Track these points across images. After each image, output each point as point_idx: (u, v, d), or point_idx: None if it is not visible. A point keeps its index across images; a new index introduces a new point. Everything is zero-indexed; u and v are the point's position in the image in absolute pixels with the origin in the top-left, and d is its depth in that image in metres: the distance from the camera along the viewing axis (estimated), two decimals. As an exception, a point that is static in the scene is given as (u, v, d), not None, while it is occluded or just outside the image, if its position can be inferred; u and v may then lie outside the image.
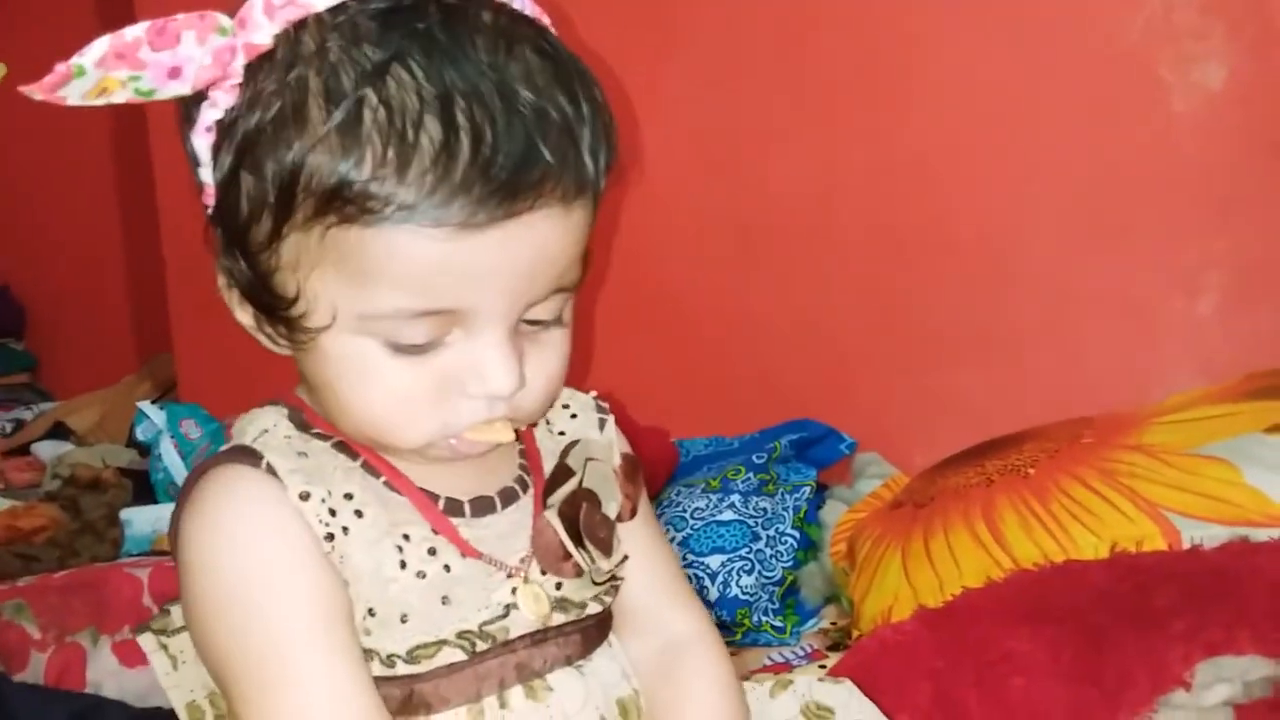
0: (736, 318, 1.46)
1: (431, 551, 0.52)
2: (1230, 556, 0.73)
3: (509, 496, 0.56)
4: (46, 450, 2.21)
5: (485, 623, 0.53)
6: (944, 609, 0.80)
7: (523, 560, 0.55)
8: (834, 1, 1.35)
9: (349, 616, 0.51)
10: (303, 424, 0.54)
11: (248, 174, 0.48)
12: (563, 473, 0.57)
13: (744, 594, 1.10)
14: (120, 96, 0.46)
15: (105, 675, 1.09)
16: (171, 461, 1.70)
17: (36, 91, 0.45)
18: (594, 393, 0.63)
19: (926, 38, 1.29)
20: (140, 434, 1.78)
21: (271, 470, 0.51)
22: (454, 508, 0.54)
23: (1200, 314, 1.18)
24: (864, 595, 1.02)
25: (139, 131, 2.06)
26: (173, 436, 1.72)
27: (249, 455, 0.52)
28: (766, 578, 1.12)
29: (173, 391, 2.22)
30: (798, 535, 1.16)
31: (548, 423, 0.61)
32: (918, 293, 1.34)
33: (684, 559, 1.14)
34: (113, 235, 2.71)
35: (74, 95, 0.45)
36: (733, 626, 1.10)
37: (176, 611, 0.57)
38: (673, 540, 1.17)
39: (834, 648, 1.05)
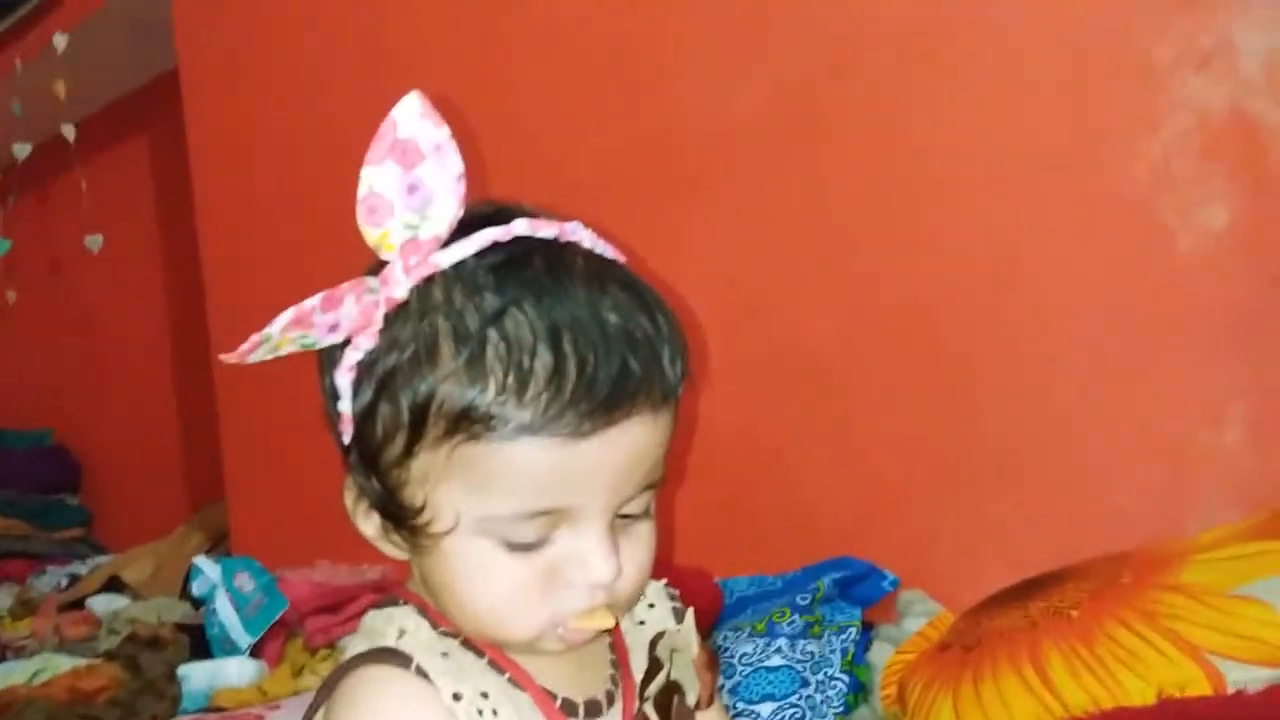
0: (770, 456, 1.50)
1: None
2: (1274, 703, 0.75)
3: (611, 696, 0.63)
4: (101, 604, 2.26)
5: None
6: (996, 761, 0.81)
7: None
8: (854, 153, 1.42)
9: None
10: (433, 624, 0.60)
11: (385, 404, 0.56)
12: (655, 666, 0.63)
13: (797, 744, 1.12)
14: (286, 350, 0.57)
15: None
16: (226, 616, 1.73)
17: (232, 358, 0.55)
18: (664, 580, 0.69)
19: (945, 188, 1.36)
20: (195, 589, 1.82)
21: (421, 672, 0.56)
22: (570, 708, 0.60)
23: (1228, 445, 1.20)
24: (916, 741, 1.03)
25: (192, 286, 2.16)
26: (227, 591, 1.76)
27: (396, 656, 0.57)
28: (818, 725, 1.13)
29: (224, 541, 2.27)
30: (847, 679, 1.18)
31: (630, 614, 0.67)
32: (949, 427, 1.38)
33: (734, 707, 1.16)
34: (165, 389, 2.81)
35: (257, 356, 0.56)
36: (787, 777, 1.11)
37: None
38: (722, 688, 1.18)
39: (890, 795, 1.05)
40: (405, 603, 0.61)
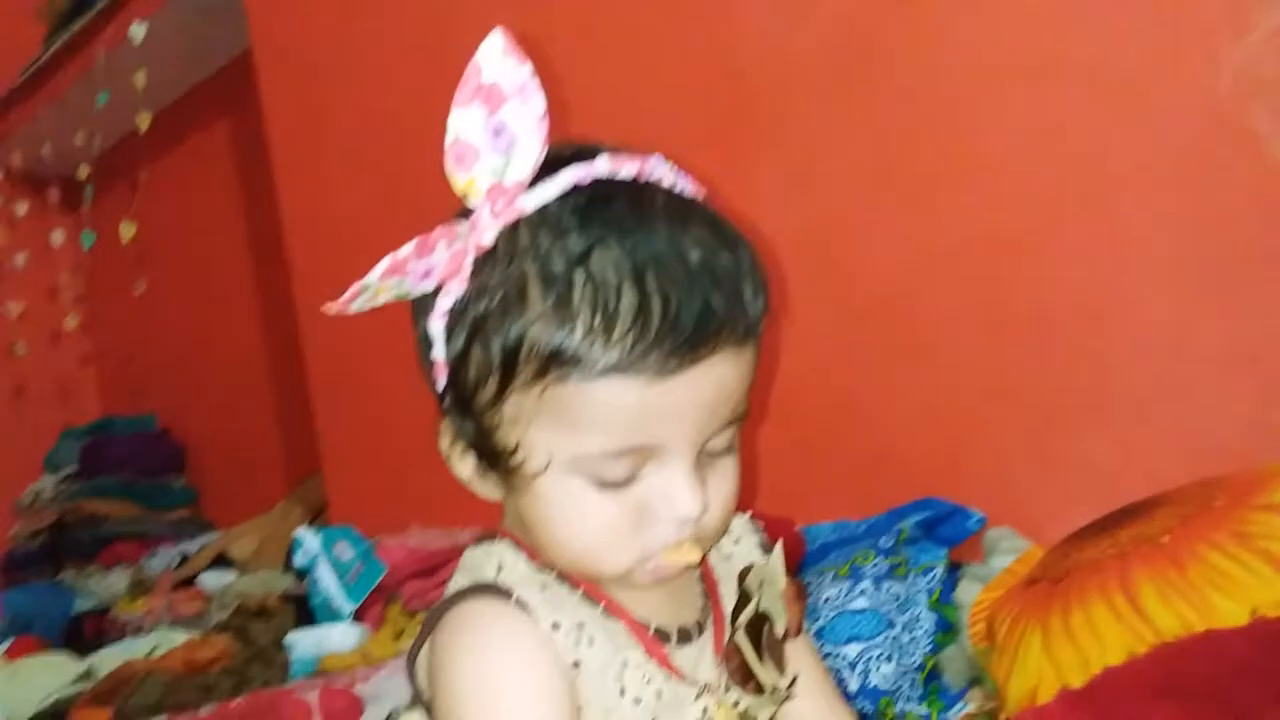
0: (850, 399, 1.49)
1: (647, 679, 0.60)
2: (1373, 619, 0.72)
3: (701, 625, 0.65)
4: (211, 581, 2.36)
5: None
6: (1085, 689, 0.80)
7: (712, 680, 0.63)
8: (920, 83, 1.39)
9: None
10: (528, 559, 0.62)
11: (478, 349, 0.58)
12: (744, 597, 0.65)
13: (884, 683, 1.11)
14: (384, 299, 0.58)
15: (286, 797, 1.17)
16: (328, 584, 1.79)
17: (335, 307, 0.58)
18: (749, 513, 0.71)
19: (1014, 112, 1.32)
20: (297, 561, 1.88)
21: (520, 604, 0.59)
22: (663, 636, 0.62)
23: (1324, 359, 1.16)
24: (1007, 676, 1.01)
25: (279, 266, 2.22)
26: (328, 560, 1.82)
27: (495, 590, 0.60)
28: (906, 664, 1.12)
29: (323, 513, 2.35)
30: (934, 618, 1.17)
31: (717, 549, 0.68)
32: (1028, 359, 1.34)
33: (821, 650, 1.16)
34: (259, 369, 2.90)
35: (356, 306, 0.58)
36: (876, 716, 1.11)
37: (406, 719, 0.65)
38: (808, 632, 1.18)
39: (982, 732, 1.05)
40: (501, 539, 0.64)
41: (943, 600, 1.20)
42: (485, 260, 0.58)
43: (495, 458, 0.60)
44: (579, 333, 0.55)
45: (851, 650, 1.14)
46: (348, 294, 0.57)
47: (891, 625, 1.16)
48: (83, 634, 2.37)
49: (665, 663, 0.61)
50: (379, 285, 0.57)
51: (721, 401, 0.59)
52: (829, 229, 1.48)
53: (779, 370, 1.48)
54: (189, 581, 2.43)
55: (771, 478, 1.45)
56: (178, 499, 3.04)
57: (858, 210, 1.46)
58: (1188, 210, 1.22)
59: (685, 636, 0.63)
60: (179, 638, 1.86)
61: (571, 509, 0.59)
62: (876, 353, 1.46)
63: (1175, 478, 1.11)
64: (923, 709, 1.10)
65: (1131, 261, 1.26)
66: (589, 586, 0.61)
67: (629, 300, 0.55)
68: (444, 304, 0.59)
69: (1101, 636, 0.94)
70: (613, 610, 0.61)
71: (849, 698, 1.12)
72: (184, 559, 2.65)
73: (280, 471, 2.85)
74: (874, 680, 1.12)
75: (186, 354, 3.14)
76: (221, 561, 2.49)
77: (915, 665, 1.13)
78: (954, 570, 1.27)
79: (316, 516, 2.43)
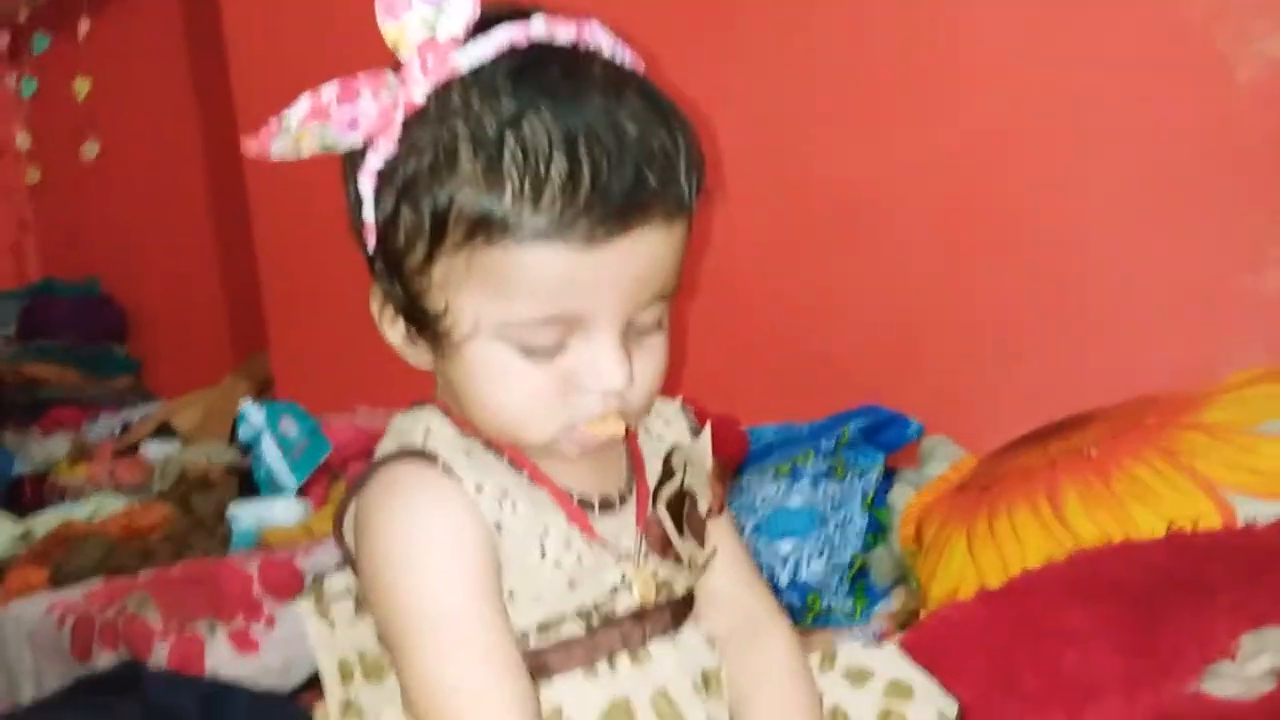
0: (801, 306, 1.50)
1: (567, 543, 0.61)
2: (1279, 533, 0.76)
3: (624, 496, 0.66)
4: (154, 450, 2.34)
5: (600, 602, 0.62)
6: (1003, 588, 0.83)
7: (632, 549, 0.63)
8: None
9: (501, 593, 0.60)
10: (456, 427, 0.63)
11: (407, 210, 0.57)
12: (667, 474, 0.66)
13: (814, 578, 1.15)
14: (308, 148, 0.57)
15: (221, 662, 1.18)
16: (273, 459, 1.79)
17: (253, 146, 0.56)
18: (679, 398, 0.71)
19: (981, 22, 1.31)
20: (242, 434, 1.87)
21: (446, 468, 0.59)
22: (586, 504, 0.63)
23: (1266, 290, 1.18)
24: (931, 577, 1.05)
25: (229, 139, 2.16)
26: (273, 435, 1.82)
27: (422, 455, 0.60)
28: (836, 561, 1.16)
29: (270, 389, 2.34)
30: (867, 519, 1.20)
31: (646, 429, 0.69)
32: (981, 275, 1.36)
33: (755, 545, 1.19)
34: (206, 241, 2.84)
35: (278, 150, 0.56)
36: (803, 610, 1.14)
37: (330, 582, 0.67)
38: (744, 527, 1.21)
39: (903, 629, 1.09)
40: (431, 407, 0.64)
41: (876, 503, 1.23)
42: (415, 119, 0.57)
43: (424, 322, 0.60)
44: (508, 197, 0.55)
45: (785, 546, 1.18)
46: (264, 131, 0.55)
47: (825, 524, 1.19)
48: (22, 497, 2.36)
49: (587, 529, 0.62)
50: (300, 130, 0.56)
51: (650, 276, 0.58)
52: (789, 131, 1.46)
53: (727, 269, 1.48)
54: (131, 450, 2.42)
55: (719, 380, 1.46)
56: (120, 367, 3.00)
57: (821, 116, 1.44)
58: (1150, 133, 1.23)
59: (608, 506, 0.64)
60: (119, 504, 1.86)
61: (498, 376, 0.59)
62: (830, 261, 1.47)
63: (1115, 397, 1.14)
64: (848, 605, 1.14)
65: (1089, 179, 1.27)
66: (514, 454, 0.62)
67: (559, 167, 0.55)
68: (373, 163, 0.58)
69: (1024, 542, 0.98)
70: (536, 477, 0.62)
71: (778, 591, 1.16)
72: (126, 427, 2.63)
73: (226, 346, 2.82)
74: (804, 575, 1.15)
75: (133, 220, 3.06)
76: (164, 432, 2.48)
77: (845, 563, 1.16)
78: (890, 475, 1.30)
79: (262, 393, 2.42)
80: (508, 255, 0.56)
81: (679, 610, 0.65)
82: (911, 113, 1.38)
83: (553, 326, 0.58)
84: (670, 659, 0.63)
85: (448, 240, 0.57)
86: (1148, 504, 0.89)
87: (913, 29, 1.36)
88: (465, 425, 0.62)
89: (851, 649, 0.70)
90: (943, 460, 1.30)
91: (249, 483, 1.84)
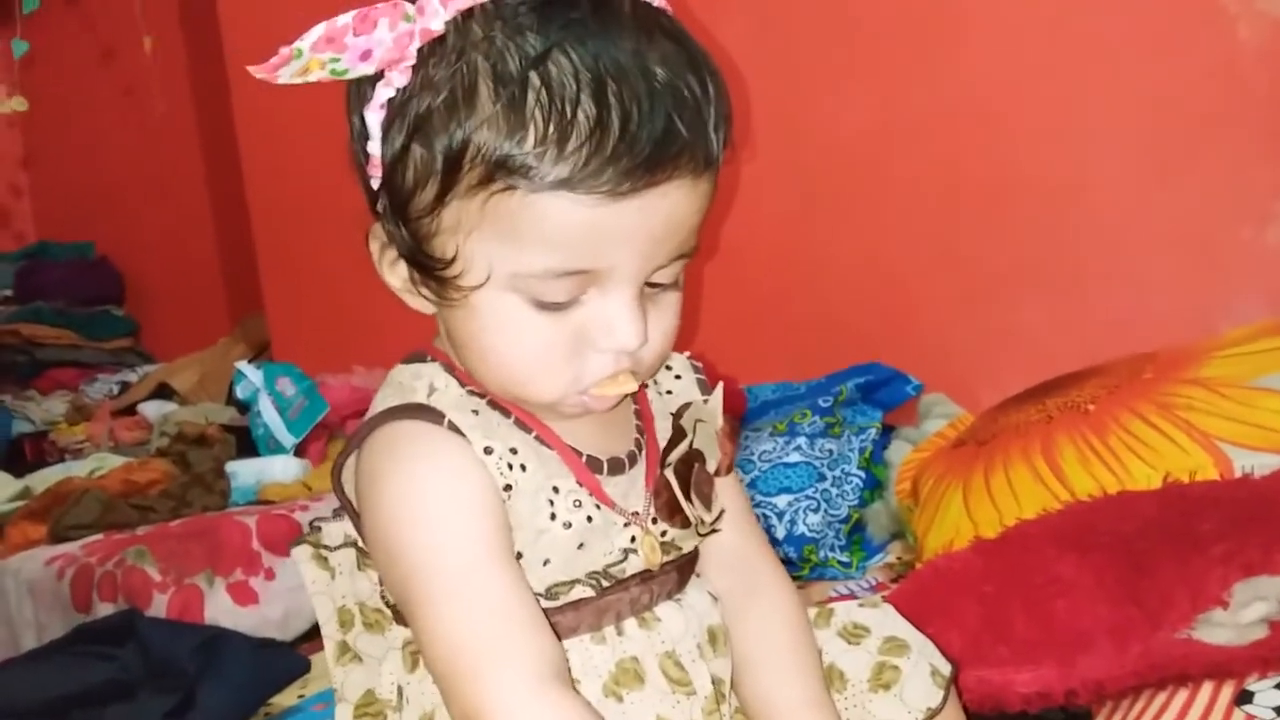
0: (801, 264, 1.49)
1: (577, 504, 0.59)
2: (1275, 482, 0.76)
3: (633, 457, 0.63)
4: (152, 410, 2.34)
5: (610, 565, 0.60)
6: (997, 539, 0.84)
7: (641, 511, 0.61)
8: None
9: (513, 552, 0.58)
10: (460, 382, 0.60)
11: (418, 147, 0.54)
12: (678, 434, 0.63)
13: (810, 531, 1.15)
14: (316, 76, 0.53)
15: (220, 613, 1.19)
16: (270, 418, 1.80)
17: (260, 71, 0.52)
18: (688, 353, 0.69)
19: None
20: (239, 393, 1.87)
21: (454, 427, 0.57)
22: (595, 464, 0.61)
23: (1268, 244, 1.18)
24: (927, 530, 1.06)
25: (222, 99, 2.14)
26: (270, 394, 1.82)
27: (429, 412, 0.58)
28: (832, 515, 1.16)
29: (266, 351, 2.33)
30: (863, 475, 1.21)
31: (655, 385, 0.67)
32: (980, 232, 1.36)
33: (753, 499, 1.19)
34: (201, 204, 2.82)
35: (285, 75, 0.52)
36: (799, 562, 1.15)
37: (329, 529, 0.65)
38: (737, 472, 1.22)
39: (898, 581, 1.09)
40: (432, 359, 0.62)
41: (874, 460, 1.24)
42: (432, 50, 0.53)
43: (430, 268, 0.56)
44: (530, 141, 0.51)
45: (781, 500, 1.18)
46: (277, 58, 0.51)
47: (822, 479, 1.19)
48: (21, 457, 2.36)
49: (596, 490, 0.60)
50: (311, 58, 0.51)
51: (672, 232, 0.55)
52: (792, 88, 1.45)
53: (728, 233, 1.48)
54: (129, 410, 2.42)
55: (718, 337, 1.46)
56: (117, 329, 2.99)
57: (818, 73, 1.43)
58: (1152, 87, 1.22)
59: (617, 467, 0.61)
60: (119, 462, 1.86)
61: (508, 327, 0.56)
62: (829, 219, 1.46)
63: (1114, 353, 1.14)
64: (844, 557, 1.14)
65: (1090, 134, 1.27)
66: (521, 413, 0.59)
67: (586, 111, 0.51)
68: (384, 94, 0.54)
69: (1019, 496, 0.98)
70: (546, 437, 0.59)
71: (775, 544, 1.16)
72: (124, 387, 2.63)
73: (222, 308, 2.81)
74: (800, 529, 1.16)
75: (128, 181, 3.05)
76: (162, 392, 2.48)
77: (841, 517, 1.16)
78: (887, 432, 1.31)
79: (259, 355, 2.42)
80: (527, 203, 0.52)
81: (685, 570, 0.64)
82: (905, 69, 1.37)
83: (569, 279, 0.54)
84: (678, 621, 0.62)
85: (462, 182, 0.53)
86: (1145, 459, 0.90)
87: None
88: (469, 380, 0.60)
89: (848, 608, 0.69)
90: (940, 418, 1.30)
91: (247, 441, 1.84)
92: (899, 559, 1.15)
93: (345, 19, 0.52)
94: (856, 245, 1.45)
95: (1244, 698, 0.60)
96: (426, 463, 0.57)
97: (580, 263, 0.54)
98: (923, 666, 0.66)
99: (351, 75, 0.54)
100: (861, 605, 0.69)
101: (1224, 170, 1.19)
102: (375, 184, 0.57)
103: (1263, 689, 0.59)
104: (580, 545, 0.59)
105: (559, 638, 0.58)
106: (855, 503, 1.18)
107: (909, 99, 1.37)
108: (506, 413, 0.60)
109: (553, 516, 0.58)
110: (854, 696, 0.66)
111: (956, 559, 0.81)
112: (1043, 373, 1.18)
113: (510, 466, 0.57)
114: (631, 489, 0.62)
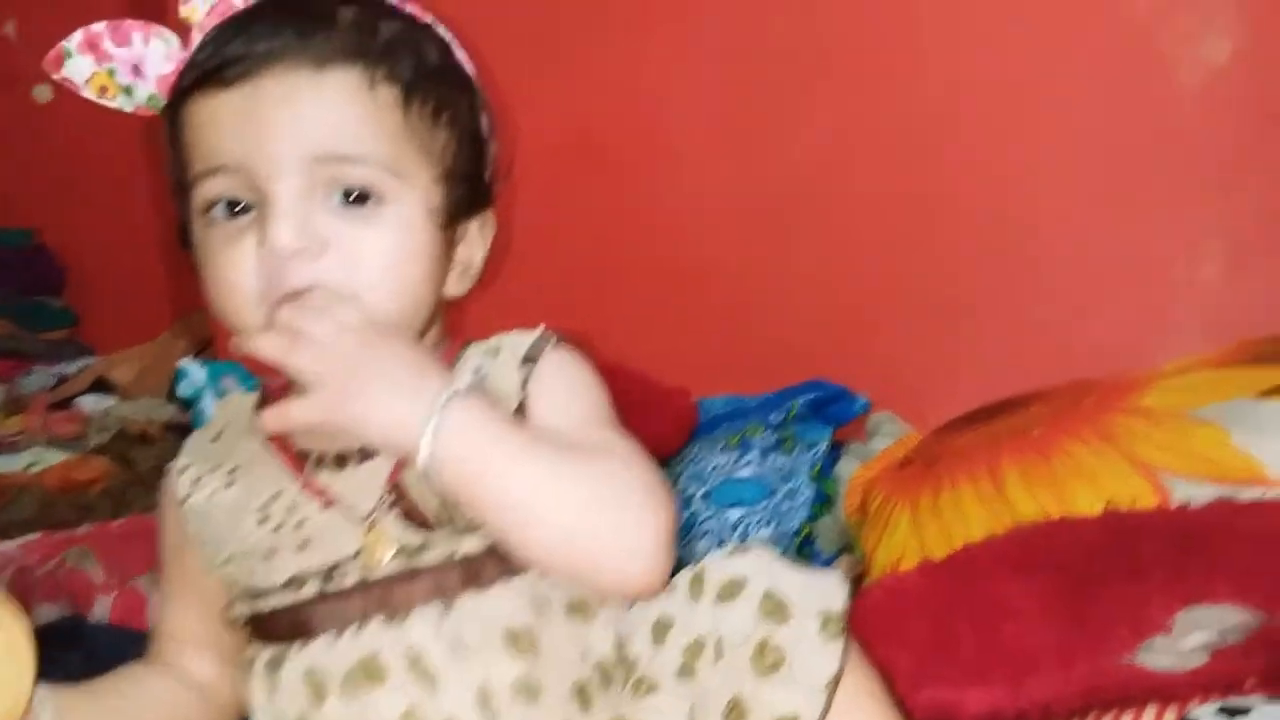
0: (754, 282, 1.51)
1: (291, 507, 0.60)
2: (1212, 514, 0.79)
3: (366, 451, 0.59)
4: (89, 404, 2.29)
5: (338, 564, 0.58)
6: (944, 561, 0.86)
7: (375, 510, 0.58)
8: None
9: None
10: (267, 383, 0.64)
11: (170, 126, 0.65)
12: None
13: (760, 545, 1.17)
14: (102, 90, 0.63)
15: (164, 617, 1.17)
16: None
17: (50, 69, 0.61)
18: (542, 331, 0.61)
19: (938, 11, 1.33)
20: (181, 391, 1.84)
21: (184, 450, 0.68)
22: (318, 460, 0.61)
23: (1202, 280, 1.22)
24: (875, 546, 1.08)
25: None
26: (215, 393, 1.79)
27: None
28: (784, 529, 1.18)
29: (208, 348, 2.29)
30: (814, 489, 1.23)
31: (457, 368, 0.61)
32: (931, 258, 1.39)
33: (703, 512, 1.21)
34: (143, 195, 2.77)
35: (77, 82, 0.62)
36: (751, 576, 1.16)
37: None
38: (693, 495, 1.23)
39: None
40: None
41: (823, 474, 1.26)
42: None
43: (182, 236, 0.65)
44: (187, 66, 0.61)
45: (734, 514, 1.20)
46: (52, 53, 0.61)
47: (773, 493, 1.21)
48: (-51, 448, 2.29)
49: (316, 491, 0.59)
50: (91, 72, 0.62)
51: (312, 126, 0.57)
52: (736, 113, 1.47)
53: (682, 248, 1.49)
54: (66, 403, 2.36)
55: (669, 352, 1.48)
56: (56, 319, 2.91)
57: (769, 92, 1.45)
58: (1097, 123, 1.26)
59: (341, 461, 0.59)
60: (56, 457, 1.82)
61: (208, 259, 0.60)
62: (780, 237, 1.48)
63: (1056, 378, 1.18)
64: (794, 572, 1.16)
65: (1038, 167, 1.30)
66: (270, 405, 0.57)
67: (217, 32, 0.60)
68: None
69: (966, 516, 1.01)
70: (273, 438, 0.61)
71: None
72: (61, 380, 2.57)
73: (165, 302, 2.76)
74: (751, 542, 1.17)
75: (68, 168, 2.98)
76: (100, 386, 2.42)
77: (792, 531, 1.18)
78: (837, 448, 1.33)
79: (200, 351, 2.38)
80: (181, 120, 0.60)
81: (471, 570, 0.57)
82: (859, 95, 1.39)
83: (219, 180, 0.58)
84: (428, 623, 0.56)
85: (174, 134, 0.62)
86: (1086, 483, 0.93)
87: (866, 14, 1.37)
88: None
89: (719, 564, 0.58)
90: (888, 436, 1.33)
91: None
92: (847, 573, 1.17)
93: (98, 26, 0.62)
94: (807, 264, 1.47)
95: (1183, 721, 0.63)
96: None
97: (220, 159, 0.58)
98: (809, 625, 0.55)
99: (136, 93, 0.62)
100: (731, 554, 0.59)
101: (1162, 208, 1.24)
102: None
103: (1205, 714, 0.61)
104: (301, 546, 0.59)
105: (308, 635, 0.59)
106: (806, 517, 1.20)
107: (865, 122, 1.39)
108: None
109: (262, 520, 0.60)
110: (747, 686, 0.56)
111: (905, 579, 0.83)
112: (988, 394, 1.21)
113: (200, 481, 0.65)
114: (368, 486, 0.59)
